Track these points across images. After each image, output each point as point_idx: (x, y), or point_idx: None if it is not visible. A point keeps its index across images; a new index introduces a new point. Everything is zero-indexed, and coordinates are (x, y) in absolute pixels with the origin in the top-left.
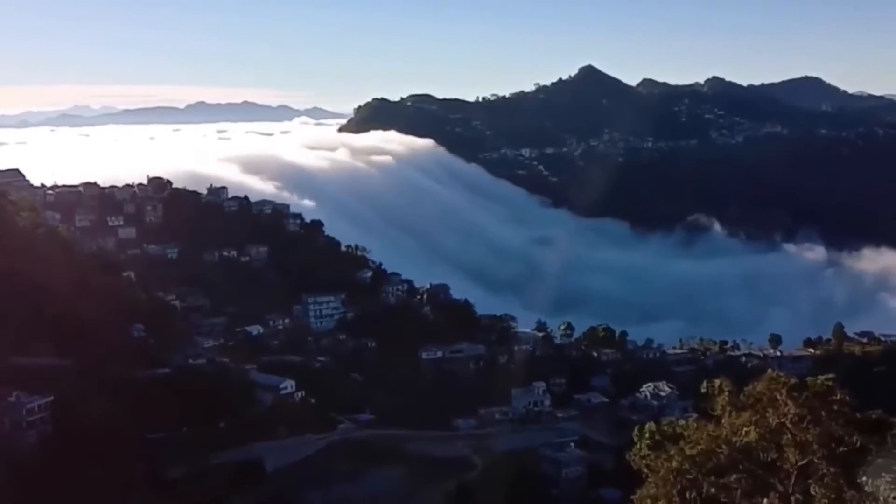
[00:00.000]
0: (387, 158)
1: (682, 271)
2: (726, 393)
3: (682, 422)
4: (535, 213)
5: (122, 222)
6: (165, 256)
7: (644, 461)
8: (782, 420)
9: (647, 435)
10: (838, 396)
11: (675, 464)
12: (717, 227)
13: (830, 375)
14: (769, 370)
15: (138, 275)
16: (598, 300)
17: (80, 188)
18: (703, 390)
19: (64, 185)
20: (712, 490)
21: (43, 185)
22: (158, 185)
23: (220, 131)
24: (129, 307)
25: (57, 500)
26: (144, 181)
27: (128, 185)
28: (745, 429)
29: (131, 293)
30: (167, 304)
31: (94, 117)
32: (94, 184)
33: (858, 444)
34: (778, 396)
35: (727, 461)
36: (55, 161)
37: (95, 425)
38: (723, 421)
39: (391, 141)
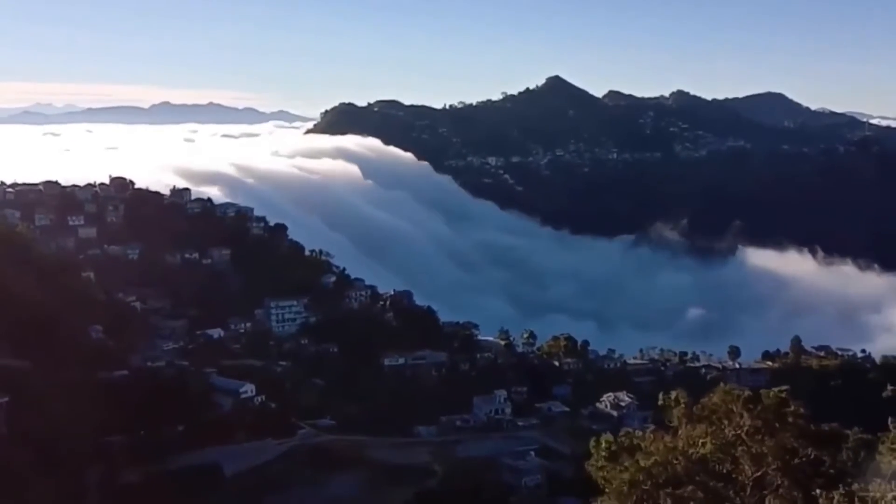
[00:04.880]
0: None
1: (644, 281)
2: (682, 405)
3: (639, 433)
4: (499, 222)
5: (82, 222)
6: (126, 257)
7: (601, 472)
8: (738, 432)
9: (603, 446)
10: (792, 408)
11: (631, 475)
12: (678, 238)
13: (784, 388)
14: (723, 383)
15: (98, 275)
16: (560, 308)
17: (41, 187)
18: (661, 402)
19: (24, 184)
20: (669, 502)
21: (3, 183)
22: (120, 184)
23: (191, 131)
24: (88, 308)
25: (9, 502)
26: (138, 182)
27: (89, 185)
28: (701, 440)
29: (91, 294)
30: (127, 305)
31: (56, 115)
32: (55, 182)
33: (812, 455)
34: (733, 408)
35: (683, 473)
36: (16, 159)
37: (51, 427)
38: (679, 433)
39: (375, 149)
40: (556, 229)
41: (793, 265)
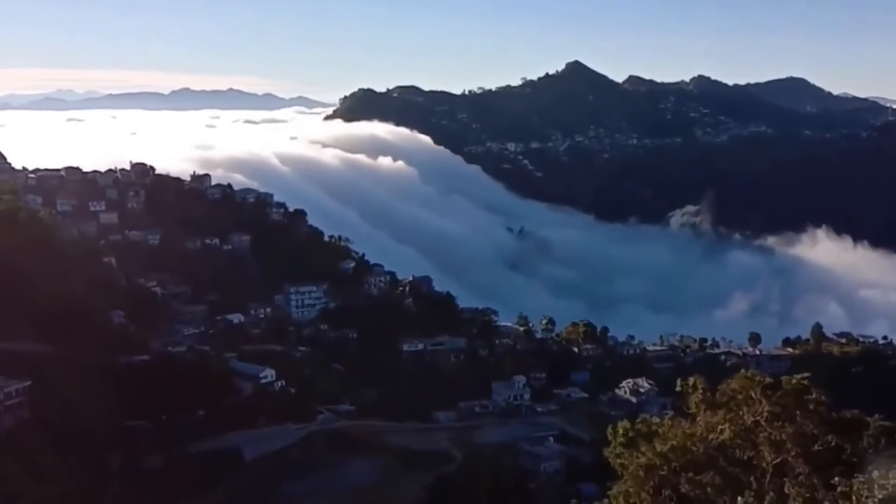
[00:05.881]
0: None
1: (663, 267)
2: (700, 391)
3: (656, 419)
4: (519, 208)
5: (103, 208)
6: (147, 243)
7: (619, 459)
8: (757, 418)
9: (620, 433)
10: (813, 395)
11: (648, 460)
12: (699, 224)
13: (805, 374)
14: (743, 369)
15: (119, 261)
16: (578, 294)
17: (63, 172)
18: (679, 388)
19: (46, 169)
20: (687, 487)
21: (25, 169)
22: (141, 170)
23: (213, 117)
24: (109, 293)
25: (32, 487)
26: (159, 168)
27: (110, 171)
28: (719, 427)
29: (112, 279)
30: (148, 290)
31: (77, 101)
32: (77, 168)
33: (833, 443)
34: (753, 395)
35: (702, 458)
36: (37, 145)
37: (73, 411)
38: (698, 419)
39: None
40: (576, 214)
41: (810, 251)
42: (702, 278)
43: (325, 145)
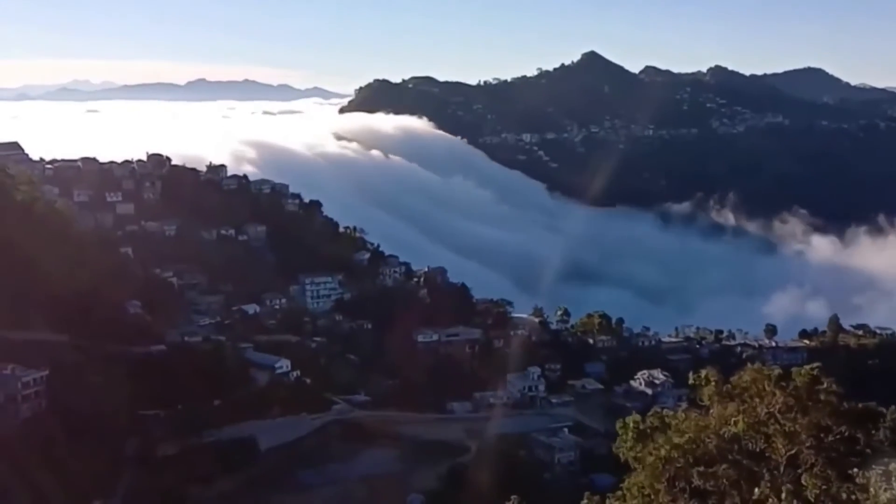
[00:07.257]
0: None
1: (680, 259)
2: (713, 383)
3: (668, 412)
4: (535, 199)
5: (120, 198)
6: (163, 233)
7: (631, 453)
8: (770, 410)
9: (630, 427)
10: (825, 386)
11: (662, 452)
12: (715, 216)
13: (816, 364)
14: (760, 362)
15: (136, 251)
16: (595, 285)
17: (79, 163)
18: (692, 381)
19: (63, 160)
20: (701, 480)
21: (42, 159)
22: (157, 161)
23: (229, 108)
24: (125, 283)
25: (49, 474)
26: (175, 158)
27: (127, 161)
28: (733, 419)
29: (128, 269)
30: (164, 281)
31: (94, 92)
32: (94, 159)
33: (847, 433)
34: (766, 387)
35: (716, 451)
36: (54, 135)
37: (90, 400)
38: (711, 411)
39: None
40: (591, 206)
41: (828, 243)
42: (764, 270)
43: (341, 137)
